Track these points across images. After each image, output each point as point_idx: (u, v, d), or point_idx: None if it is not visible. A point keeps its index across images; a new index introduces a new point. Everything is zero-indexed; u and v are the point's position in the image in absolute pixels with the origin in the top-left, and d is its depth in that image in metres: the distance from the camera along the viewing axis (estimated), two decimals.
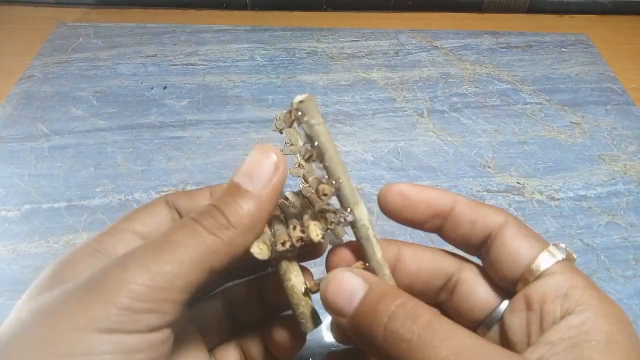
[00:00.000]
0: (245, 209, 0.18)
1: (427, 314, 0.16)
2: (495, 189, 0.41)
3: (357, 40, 0.56)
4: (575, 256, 0.20)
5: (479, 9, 0.62)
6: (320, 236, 0.20)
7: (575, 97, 0.50)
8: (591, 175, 0.42)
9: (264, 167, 0.19)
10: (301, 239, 0.20)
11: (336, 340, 0.23)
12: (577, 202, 0.40)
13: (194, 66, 0.52)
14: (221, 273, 0.19)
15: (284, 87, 0.50)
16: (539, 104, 0.49)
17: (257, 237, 0.20)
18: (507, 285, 0.20)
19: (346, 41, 0.56)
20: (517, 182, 0.42)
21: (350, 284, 0.18)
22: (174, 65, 0.52)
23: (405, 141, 0.45)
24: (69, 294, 0.17)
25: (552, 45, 0.57)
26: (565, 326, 0.17)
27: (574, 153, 0.44)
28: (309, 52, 0.54)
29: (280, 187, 0.19)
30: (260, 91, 0.49)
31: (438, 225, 0.22)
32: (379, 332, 0.17)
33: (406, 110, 0.48)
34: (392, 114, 0.47)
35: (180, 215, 0.22)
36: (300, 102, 0.20)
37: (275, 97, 0.48)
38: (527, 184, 0.41)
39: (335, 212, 0.21)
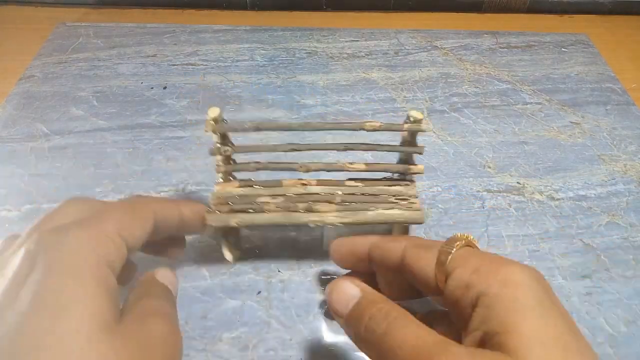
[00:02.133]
0: None
1: (395, 313, 0.21)
2: (495, 189, 0.41)
3: (357, 40, 0.56)
4: (471, 237, 0.23)
5: (479, 9, 0.62)
6: None
7: (575, 97, 0.50)
8: (591, 175, 0.42)
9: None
10: None
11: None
12: (577, 202, 0.40)
13: (194, 66, 0.52)
14: None
15: (284, 87, 0.50)
16: (539, 104, 0.49)
17: None
18: (440, 296, 0.22)
19: (346, 41, 0.56)
20: (517, 182, 0.42)
21: (348, 293, 0.24)
22: (174, 65, 0.52)
23: None
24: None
25: (552, 45, 0.57)
26: (477, 314, 0.20)
27: (574, 153, 0.44)
28: (309, 52, 0.54)
29: None
30: (260, 91, 0.49)
31: (367, 267, 0.26)
32: (361, 328, 0.22)
33: (406, 110, 0.48)
34: (392, 114, 0.47)
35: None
36: None
37: (275, 97, 0.48)
38: (527, 184, 0.41)
39: None
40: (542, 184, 0.41)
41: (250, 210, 0.30)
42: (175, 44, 0.55)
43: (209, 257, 0.35)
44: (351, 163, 0.32)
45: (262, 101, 0.48)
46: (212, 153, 0.32)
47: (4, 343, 0.18)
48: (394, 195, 0.32)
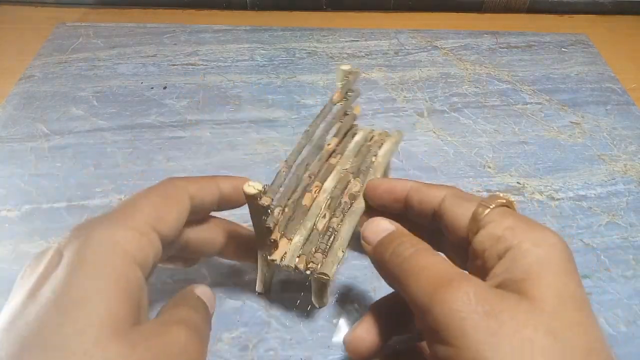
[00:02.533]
0: None
1: (423, 245, 0.23)
2: (495, 189, 0.41)
3: (357, 40, 0.56)
4: (511, 198, 0.24)
5: (479, 9, 0.62)
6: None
7: (575, 97, 0.50)
8: (591, 175, 0.42)
9: None
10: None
11: None
12: (577, 202, 0.40)
13: (194, 66, 0.52)
14: None
15: (284, 87, 0.50)
16: (539, 104, 0.49)
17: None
18: (466, 246, 0.23)
19: (346, 41, 0.56)
20: (517, 182, 0.42)
21: (382, 225, 0.25)
22: (174, 65, 0.52)
23: (405, 141, 0.45)
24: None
25: (552, 45, 0.57)
26: (502, 263, 0.20)
27: (574, 153, 0.44)
28: (309, 52, 0.54)
29: None
30: (260, 91, 0.49)
31: (401, 208, 0.27)
32: (388, 253, 0.23)
33: (406, 110, 0.48)
34: (392, 114, 0.47)
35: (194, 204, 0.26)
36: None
37: (275, 97, 0.48)
38: (527, 184, 0.41)
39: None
40: (542, 184, 0.41)
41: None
42: (175, 44, 0.55)
43: (209, 257, 0.35)
44: (328, 144, 0.34)
45: (262, 101, 0.48)
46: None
47: (19, 339, 0.18)
48: (367, 141, 0.35)
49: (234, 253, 0.31)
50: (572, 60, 0.55)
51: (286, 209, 0.29)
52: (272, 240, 0.28)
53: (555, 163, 0.43)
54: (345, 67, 0.35)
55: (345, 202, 0.31)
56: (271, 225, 0.27)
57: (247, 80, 0.50)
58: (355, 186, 0.31)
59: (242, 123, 0.46)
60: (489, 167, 0.43)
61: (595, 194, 0.41)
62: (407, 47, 0.56)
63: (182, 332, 0.21)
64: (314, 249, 0.28)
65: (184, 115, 0.46)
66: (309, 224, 0.29)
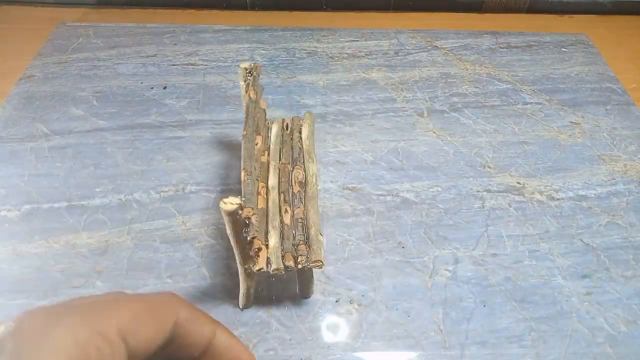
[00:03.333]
0: None
1: None
2: (495, 189, 0.41)
3: (357, 40, 0.56)
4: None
5: (479, 9, 0.62)
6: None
7: (575, 97, 0.50)
8: (591, 175, 0.42)
9: None
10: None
11: None
12: (577, 202, 0.40)
13: (194, 66, 0.52)
14: None
15: (284, 87, 0.50)
16: (539, 104, 0.49)
17: None
18: None
19: (346, 41, 0.56)
20: (517, 182, 0.42)
21: None
22: (174, 65, 0.52)
23: (405, 141, 0.45)
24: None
25: (552, 45, 0.57)
26: None
27: (574, 153, 0.44)
28: (309, 52, 0.54)
29: None
30: None
31: None
32: None
33: (406, 110, 0.48)
34: (392, 114, 0.47)
35: (177, 333, 0.21)
36: None
37: (275, 97, 0.48)
38: (527, 184, 0.41)
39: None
40: (542, 184, 0.41)
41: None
42: (175, 44, 0.55)
43: (209, 257, 0.35)
44: (256, 143, 0.34)
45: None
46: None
47: None
48: (284, 130, 0.37)
49: None
50: (572, 60, 0.55)
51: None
52: (257, 249, 0.28)
53: (555, 163, 0.43)
54: (246, 65, 0.35)
55: (298, 191, 0.31)
56: (255, 235, 0.27)
57: None
58: (299, 174, 0.32)
59: (242, 123, 0.46)
60: (489, 167, 0.43)
61: (595, 194, 0.41)
62: (407, 47, 0.56)
63: None
64: (293, 244, 0.29)
65: (184, 115, 0.46)
66: (275, 224, 0.30)
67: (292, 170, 0.33)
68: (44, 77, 0.50)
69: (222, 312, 0.32)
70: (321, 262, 0.28)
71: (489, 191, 0.41)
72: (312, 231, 0.29)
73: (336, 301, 0.33)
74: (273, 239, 0.29)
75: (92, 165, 0.41)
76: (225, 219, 0.25)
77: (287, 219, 0.30)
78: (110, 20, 0.58)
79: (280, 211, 0.30)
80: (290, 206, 0.31)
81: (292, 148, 0.34)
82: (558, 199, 0.40)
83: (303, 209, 0.30)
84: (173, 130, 0.45)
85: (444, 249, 0.37)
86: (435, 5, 0.62)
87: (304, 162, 0.33)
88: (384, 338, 0.31)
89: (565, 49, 0.56)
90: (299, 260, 0.28)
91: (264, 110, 0.37)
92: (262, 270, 0.28)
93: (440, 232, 0.38)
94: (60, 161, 0.42)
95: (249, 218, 0.26)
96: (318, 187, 0.32)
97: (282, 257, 0.28)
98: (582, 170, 0.43)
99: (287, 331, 0.32)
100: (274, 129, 0.36)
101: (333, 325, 0.32)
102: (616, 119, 0.48)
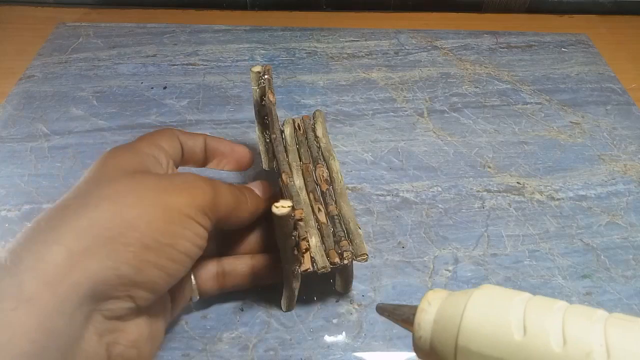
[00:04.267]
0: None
1: None
2: (495, 189, 0.41)
3: (357, 40, 0.56)
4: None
5: (479, 9, 0.62)
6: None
7: (575, 97, 0.50)
8: (591, 175, 0.42)
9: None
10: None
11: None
12: (577, 202, 0.40)
13: (194, 66, 0.52)
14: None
15: (284, 87, 0.50)
16: (539, 104, 0.49)
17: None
18: None
19: (346, 41, 0.56)
20: (517, 182, 0.42)
21: None
22: (174, 65, 0.52)
23: (405, 141, 0.45)
24: (165, 181, 0.25)
25: (552, 45, 0.57)
26: None
27: (574, 153, 0.44)
28: (309, 52, 0.54)
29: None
30: None
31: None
32: None
33: (406, 110, 0.48)
34: (392, 114, 0.47)
35: (182, 147, 0.31)
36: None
37: (275, 97, 0.48)
38: (527, 184, 0.41)
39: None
40: (542, 184, 0.41)
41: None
42: (175, 44, 0.55)
43: None
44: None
45: None
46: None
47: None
48: (298, 130, 0.36)
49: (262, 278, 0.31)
50: (572, 60, 0.55)
51: None
52: (304, 250, 0.28)
53: (555, 163, 0.43)
54: (258, 68, 0.34)
55: (327, 189, 0.31)
56: (305, 236, 0.27)
57: (247, 80, 0.50)
58: (324, 172, 0.32)
59: (242, 123, 0.46)
60: (489, 167, 0.43)
61: (595, 194, 0.41)
62: (407, 47, 0.56)
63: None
64: (334, 241, 0.29)
65: (184, 115, 0.46)
66: (312, 223, 0.30)
67: (315, 170, 0.32)
68: (44, 77, 0.50)
69: (222, 312, 0.32)
70: (366, 255, 0.28)
71: (489, 191, 0.41)
72: (351, 225, 0.29)
73: (336, 301, 0.33)
74: (314, 239, 0.29)
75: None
76: (277, 223, 0.26)
77: (322, 218, 0.30)
78: (110, 20, 0.58)
79: (313, 210, 0.30)
80: (322, 205, 0.31)
81: (309, 148, 0.34)
82: (558, 199, 0.40)
83: (335, 205, 0.30)
84: None
85: (444, 249, 0.37)
86: (435, 5, 0.62)
87: (325, 160, 0.33)
88: (384, 338, 0.31)
89: (565, 49, 0.56)
90: (344, 256, 0.28)
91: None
92: (309, 270, 0.28)
93: (440, 232, 0.38)
94: (60, 161, 0.42)
95: (300, 219, 0.26)
96: (344, 183, 0.32)
97: (327, 255, 0.28)
98: (582, 170, 0.43)
99: (287, 331, 0.32)
100: (287, 130, 0.35)
101: (333, 325, 0.32)
102: (616, 119, 0.48)
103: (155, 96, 0.48)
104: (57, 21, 0.57)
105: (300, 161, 0.33)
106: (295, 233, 0.26)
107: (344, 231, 0.29)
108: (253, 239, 0.32)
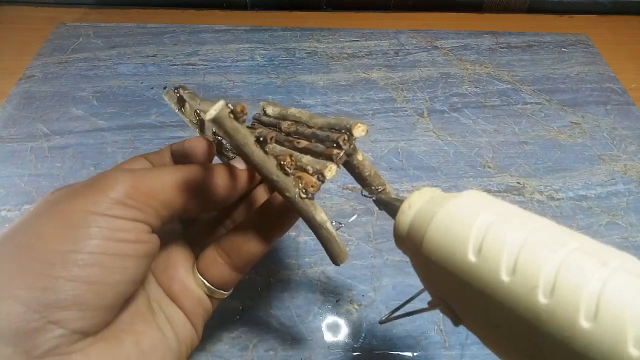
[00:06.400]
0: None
1: None
2: (495, 189, 0.41)
3: (357, 40, 0.56)
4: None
5: (479, 9, 0.62)
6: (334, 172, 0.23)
7: (575, 97, 0.50)
8: (591, 175, 0.42)
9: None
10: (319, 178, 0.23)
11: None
12: (577, 202, 0.40)
13: (194, 66, 0.52)
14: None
15: (284, 87, 0.50)
16: (539, 104, 0.49)
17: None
18: None
19: (346, 41, 0.56)
20: (517, 182, 0.42)
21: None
22: (174, 65, 0.52)
23: (405, 141, 0.45)
24: (73, 188, 0.22)
25: (552, 45, 0.57)
26: None
27: (574, 153, 0.44)
28: (309, 52, 0.54)
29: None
30: (260, 91, 0.49)
31: None
32: None
33: (406, 110, 0.48)
34: (392, 114, 0.47)
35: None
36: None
37: (275, 97, 0.48)
38: (527, 184, 0.41)
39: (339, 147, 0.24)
40: (542, 184, 0.41)
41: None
42: (175, 44, 0.55)
43: None
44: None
45: (262, 101, 0.48)
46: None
47: None
48: None
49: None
50: (572, 60, 0.55)
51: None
52: (291, 161, 0.23)
53: (555, 163, 0.43)
54: (169, 94, 0.31)
55: (296, 126, 0.27)
56: (269, 135, 0.22)
57: (247, 80, 0.50)
58: (286, 123, 0.28)
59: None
60: (489, 167, 0.43)
61: (595, 194, 0.41)
62: (407, 47, 0.56)
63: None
64: (327, 145, 0.24)
65: None
66: (295, 154, 0.25)
67: (280, 130, 0.28)
68: (44, 77, 0.50)
69: (222, 312, 0.32)
70: (361, 123, 0.24)
71: (489, 191, 0.41)
72: (332, 120, 0.25)
73: (336, 301, 0.33)
74: (304, 158, 0.24)
75: (92, 165, 0.41)
76: (229, 136, 0.21)
77: (303, 143, 0.25)
78: (110, 20, 0.58)
79: (293, 144, 0.25)
80: (299, 138, 0.26)
81: (267, 125, 0.29)
82: (558, 199, 0.40)
83: (309, 128, 0.26)
84: (173, 130, 0.45)
85: None
86: (435, 5, 0.62)
87: (284, 118, 0.29)
88: (384, 338, 0.31)
89: (565, 49, 0.56)
90: (340, 142, 0.23)
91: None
92: (317, 184, 0.23)
93: None
94: (60, 161, 0.42)
95: (244, 112, 0.21)
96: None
97: (325, 158, 0.24)
98: (582, 170, 0.43)
99: (287, 331, 0.32)
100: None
101: (333, 325, 0.32)
102: (616, 119, 0.48)
103: (155, 96, 0.48)
104: (57, 21, 0.57)
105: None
106: (257, 131, 0.22)
107: (329, 130, 0.25)
108: (248, 203, 0.28)
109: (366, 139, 0.45)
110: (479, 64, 0.54)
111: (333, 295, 0.33)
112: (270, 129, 0.28)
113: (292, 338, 0.31)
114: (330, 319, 0.32)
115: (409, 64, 0.53)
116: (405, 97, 0.49)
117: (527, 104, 0.49)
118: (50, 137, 0.44)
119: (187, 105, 0.30)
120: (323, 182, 0.23)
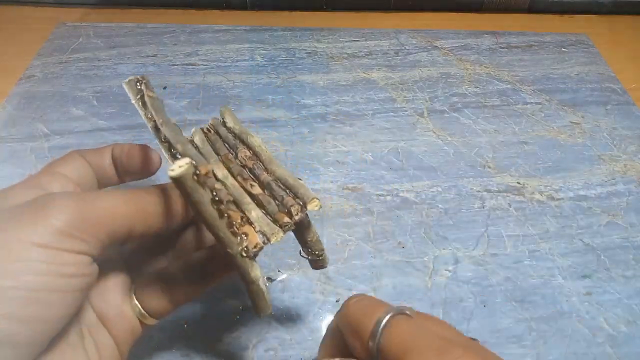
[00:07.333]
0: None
1: None
2: (495, 189, 0.41)
3: (357, 40, 0.56)
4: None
5: (479, 9, 0.62)
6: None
7: (575, 97, 0.50)
8: (591, 175, 0.42)
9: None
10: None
11: None
12: (577, 202, 0.40)
13: (194, 66, 0.52)
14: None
15: (284, 87, 0.50)
16: (539, 104, 0.49)
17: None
18: None
19: (346, 41, 0.56)
20: (517, 182, 0.42)
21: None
22: (174, 65, 0.52)
23: (405, 141, 0.45)
24: (11, 212, 0.20)
25: (552, 45, 0.57)
26: None
27: (574, 153, 0.44)
28: (309, 52, 0.54)
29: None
30: (260, 91, 0.49)
31: None
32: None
33: (406, 110, 0.48)
34: (392, 114, 0.47)
35: (93, 167, 0.26)
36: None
37: (275, 97, 0.48)
38: (527, 184, 0.41)
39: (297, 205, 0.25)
40: (542, 184, 0.41)
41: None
42: (175, 44, 0.55)
43: None
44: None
45: (262, 101, 0.48)
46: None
47: None
48: (208, 132, 0.31)
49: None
50: (572, 60, 0.55)
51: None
52: (240, 221, 0.23)
53: (555, 163, 0.43)
54: (129, 79, 0.30)
55: (253, 163, 0.27)
56: (229, 198, 0.23)
57: (247, 80, 0.50)
58: (245, 153, 0.28)
59: (242, 123, 0.45)
60: (489, 167, 0.43)
61: (595, 194, 0.41)
62: (407, 47, 0.56)
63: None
64: (276, 204, 0.25)
65: (184, 115, 0.46)
66: (247, 200, 0.25)
67: (237, 155, 0.28)
68: (44, 77, 0.50)
69: (223, 312, 0.32)
70: (316, 199, 0.25)
71: (489, 191, 0.41)
72: (290, 181, 0.26)
73: (336, 301, 0.33)
74: (254, 212, 0.24)
75: None
76: (184, 194, 0.21)
77: (257, 190, 0.26)
78: (110, 20, 0.58)
79: (245, 189, 0.26)
80: (253, 180, 0.26)
81: (224, 141, 0.29)
82: (558, 199, 0.40)
83: (267, 173, 0.26)
84: None
85: (444, 249, 0.37)
86: (435, 5, 0.62)
87: (243, 142, 0.29)
88: None
89: (565, 49, 0.56)
90: (292, 211, 0.24)
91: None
92: (259, 245, 0.23)
93: (440, 232, 0.38)
94: None
95: (208, 175, 0.21)
96: (273, 154, 0.28)
97: (274, 220, 0.24)
98: (582, 170, 0.43)
99: (287, 331, 0.32)
100: (197, 137, 0.30)
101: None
102: (616, 119, 0.48)
103: None
104: (57, 21, 0.57)
105: (218, 155, 0.28)
106: (216, 196, 0.22)
107: (284, 190, 0.25)
108: (191, 234, 0.28)
109: (366, 139, 0.45)
110: (479, 64, 0.54)
111: (333, 295, 0.33)
112: (226, 148, 0.28)
113: (292, 338, 0.31)
114: (330, 319, 0.32)
115: (409, 64, 0.53)
116: (405, 97, 0.49)
117: (527, 104, 0.49)
118: (50, 137, 0.44)
119: (147, 100, 0.29)
120: (266, 244, 0.23)
